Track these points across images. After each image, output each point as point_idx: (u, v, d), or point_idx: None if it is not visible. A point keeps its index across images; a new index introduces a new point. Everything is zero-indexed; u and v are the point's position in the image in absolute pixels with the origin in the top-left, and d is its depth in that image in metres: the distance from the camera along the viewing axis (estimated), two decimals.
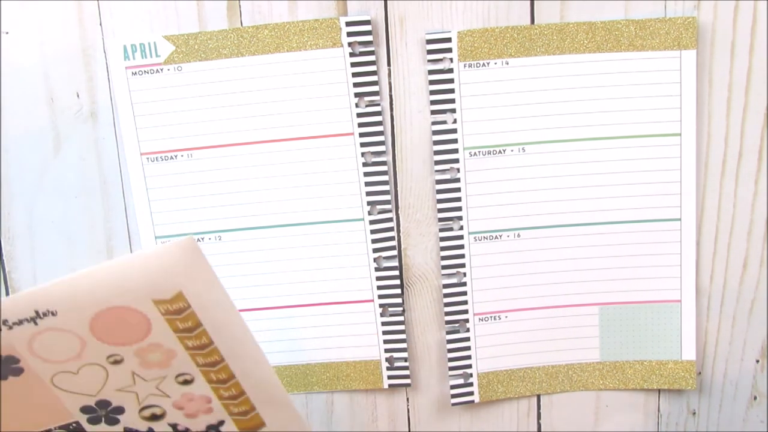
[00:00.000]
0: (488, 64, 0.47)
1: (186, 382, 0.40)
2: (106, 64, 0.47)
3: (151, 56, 0.47)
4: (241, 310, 0.50)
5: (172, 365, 0.39)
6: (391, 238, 0.49)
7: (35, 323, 0.36)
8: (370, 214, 0.49)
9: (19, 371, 0.38)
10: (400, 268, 0.50)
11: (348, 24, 0.46)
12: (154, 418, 0.42)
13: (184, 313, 0.37)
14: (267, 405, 0.41)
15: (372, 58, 0.47)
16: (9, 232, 0.50)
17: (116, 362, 0.39)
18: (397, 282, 0.50)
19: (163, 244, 0.35)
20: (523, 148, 0.48)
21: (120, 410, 0.41)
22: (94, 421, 0.41)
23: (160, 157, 0.48)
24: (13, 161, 0.49)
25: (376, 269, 0.49)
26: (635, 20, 0.46)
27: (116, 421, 0.42)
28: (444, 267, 0.49)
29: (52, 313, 0.35)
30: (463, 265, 0.49)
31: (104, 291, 0.35)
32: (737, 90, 0.47)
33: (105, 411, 0.41)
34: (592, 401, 0.52)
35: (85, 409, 0.41)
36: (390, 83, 0.48)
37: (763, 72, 0.47)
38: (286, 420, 0.42)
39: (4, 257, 0.50)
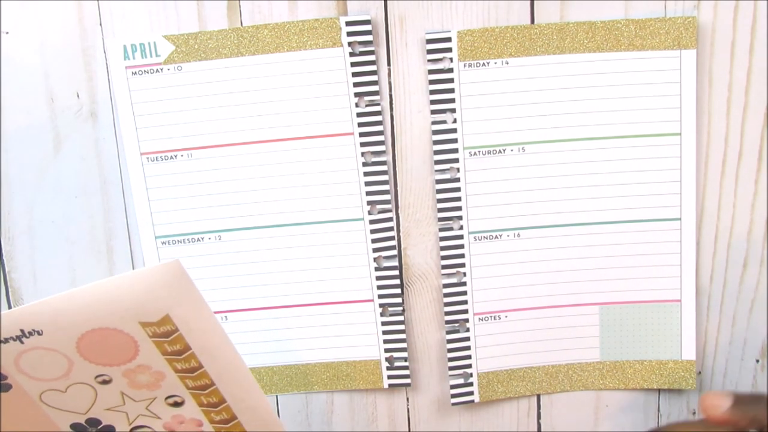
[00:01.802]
0: (488, 63, 0.47)
1: (176, 404, 0.40)
2: (106, 64, 0.47)
3: (151, 56, 0.47)
4: (240, 310, 0.50)
5: (161, 387, 0.39)
6: (391, 238, 0.49)
7: (21, 342, 0.36)
8: (370, 213, 0.49)
9: (7, 387, 0.38)
10: (400, 267, 0.50)
11: (348, 24, 0.46)
12: None
13: (171, 336, 0.36)
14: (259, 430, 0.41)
15: (372, 57, 0.47)
16: (9, 232, 0.50)
17: (105, 382, 0.38)
18: (397, 282, 0.50)
19: (149, 267, 0.35)
20: (522, 148, 0.48)
21: (110, 429, 0.41)
22: None
23: (160, 157, 0.48)
24: (13, 161, 0.49)
25: (376, 269, 0.49)
26: (635, 20, 0.46)
27: None
28: (444, 267, 0.49)
29: (38, 333, 0.35)
30: (463, 265, 0.49)
31: (91, 312, 0.35)
32: (737, 90, 0.47)
33: (95, 429, 0.41)
34: (592, 401, 0.52)
35: (75, 426, 0.41)
36: (390, 83, 0.48)
37: (763, 72, 0.47)
38: None
39: (4, 257, 0.50)
